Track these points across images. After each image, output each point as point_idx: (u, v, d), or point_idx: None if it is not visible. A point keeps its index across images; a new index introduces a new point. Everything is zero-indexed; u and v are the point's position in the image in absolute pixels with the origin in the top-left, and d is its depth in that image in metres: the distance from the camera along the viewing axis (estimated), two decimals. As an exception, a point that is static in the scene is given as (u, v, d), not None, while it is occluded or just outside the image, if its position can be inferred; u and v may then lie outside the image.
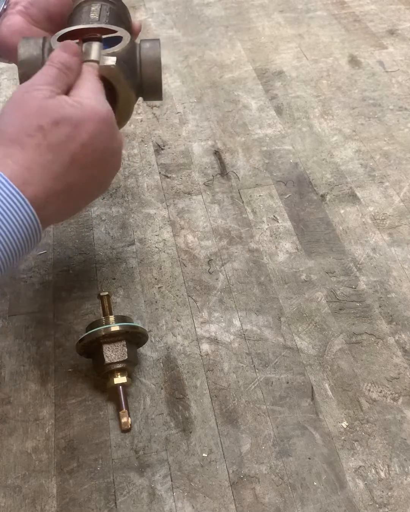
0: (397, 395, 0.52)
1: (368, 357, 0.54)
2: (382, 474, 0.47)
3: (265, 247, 0.64)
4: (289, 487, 0.46)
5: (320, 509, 0.45)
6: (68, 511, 0.45)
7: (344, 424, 0.50)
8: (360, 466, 0.47)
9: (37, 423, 0.50)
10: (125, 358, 0.50)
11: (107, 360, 0.50)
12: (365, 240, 0.64)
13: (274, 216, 0.67)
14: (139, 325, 0.52)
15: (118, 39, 0.47)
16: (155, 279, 0.61)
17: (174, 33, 1.00)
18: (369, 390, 0.52)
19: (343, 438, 0.49)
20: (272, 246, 0.64)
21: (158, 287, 0.60)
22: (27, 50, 0.47)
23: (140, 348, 0.54)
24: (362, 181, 0.71)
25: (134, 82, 0.48)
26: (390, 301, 0.59)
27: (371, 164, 0.74)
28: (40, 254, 0.64)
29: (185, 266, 0.62)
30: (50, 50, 0.46)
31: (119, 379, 0.50)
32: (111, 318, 0.51)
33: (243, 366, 0.54)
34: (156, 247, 0.64)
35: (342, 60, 0.91)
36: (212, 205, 0.69)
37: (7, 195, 0.34)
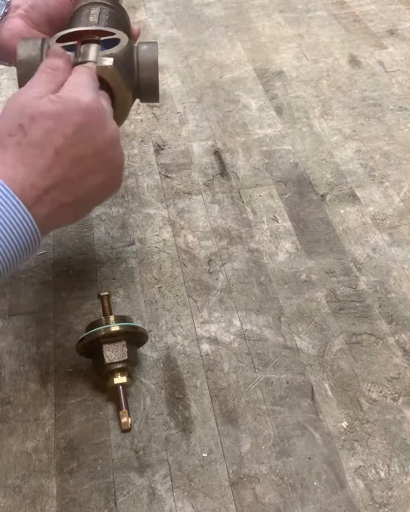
0: (397, 395, 0.52)
1: (368, 357, 0.54)
2: (382, 474, 0.47)
3: (265, 247, 0.64)
4: (289, 487, 0.46)
5: (320, 509, 0.45)
6: (68, 511, 0.45)
7: (344, 424, 0.50)
8: (360, 466, 0.47)
9: (37, 423, 0.50)
10: (125, 358, 0.50)
11: (107, 360, 0.50)
12: (365, 240, 0.64)
13: (274, 216, 0.67)
14: (139, 325, 0.52)
15: (116, 41, 0.48)
16: (155, 279, 0.61)
17: (174, 33, 1.00)
18: (369, 390, 0.52)
19: (343, 438, 0.49)
20: (272, 246, 0.64)
21: (158, 287, 0.60)
22: (25, 50, 0.47)
23: (140, 348, 0.54)
24: (362, 181, 0.71)
25: (131, 83, 0.48)
26: (390, 301, 0.59)
27: (371, 164, 0.74)
28: (40, 254, 0.64)
29: (185, 266, 0.62)
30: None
31: (119, 379, 0.50)
32: (111, 318, 0.52)
33: (243, 366, 0.54)
34: (156, 247, 0.64)
35: (342, 60, 0.91)
36: (212, 205, 0.69)
37: None
